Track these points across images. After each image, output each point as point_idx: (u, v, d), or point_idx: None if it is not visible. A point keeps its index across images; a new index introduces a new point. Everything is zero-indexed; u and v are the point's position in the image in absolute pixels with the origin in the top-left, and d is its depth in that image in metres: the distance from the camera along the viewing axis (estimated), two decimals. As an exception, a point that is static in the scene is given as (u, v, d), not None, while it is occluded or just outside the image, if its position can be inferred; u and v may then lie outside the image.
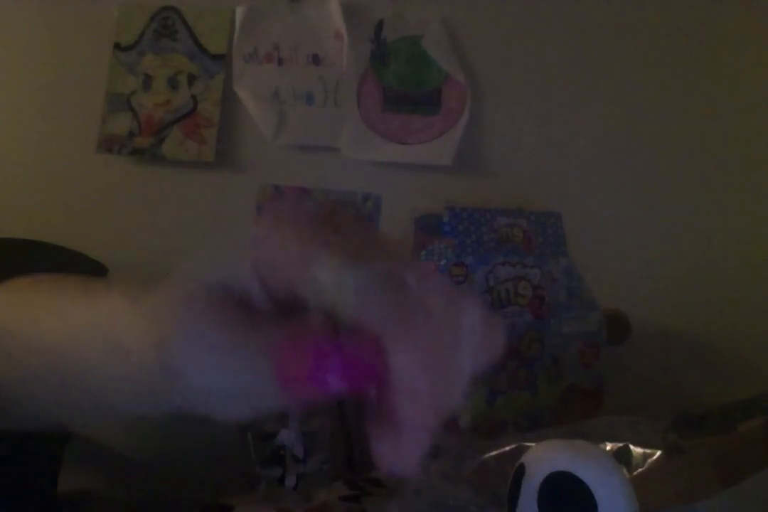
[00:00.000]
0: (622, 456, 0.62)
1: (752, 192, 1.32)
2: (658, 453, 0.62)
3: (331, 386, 0.26)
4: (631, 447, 0.63)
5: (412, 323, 0.25)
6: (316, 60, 1.45)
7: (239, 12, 1.46)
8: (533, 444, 0.58)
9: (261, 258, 0.28)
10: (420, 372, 0.25)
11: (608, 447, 0.63)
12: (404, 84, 1.42)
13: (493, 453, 0.66)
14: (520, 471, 0.52)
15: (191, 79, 1.50)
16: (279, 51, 1.46)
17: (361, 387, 0.27)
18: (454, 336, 0.27)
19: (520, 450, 0.61)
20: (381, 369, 0.26)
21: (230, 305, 0.28)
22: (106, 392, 0.34)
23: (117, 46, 1.52)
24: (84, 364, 0.34)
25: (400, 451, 0.26)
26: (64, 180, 1.56)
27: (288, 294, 0.27)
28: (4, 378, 0.37)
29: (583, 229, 1.28)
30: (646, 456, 0.62)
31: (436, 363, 0.26)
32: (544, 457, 0.52)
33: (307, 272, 0.26)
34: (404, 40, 1.42)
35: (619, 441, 0.64)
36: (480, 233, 1.00)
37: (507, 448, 0.66)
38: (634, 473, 0.61)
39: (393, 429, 0.26)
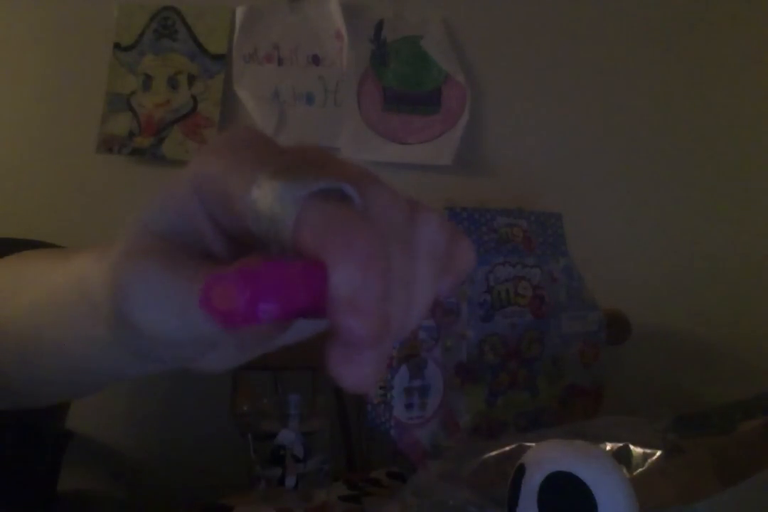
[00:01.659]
0: (622, 456, 0.62)
1: (752, 192, 1.32)
2: (658, 453, 0.62)
3: (267, 313, 0.24)
4: (631, 447, 0.63)
5: (355, 236, 0.24)
6: (316, 60, 1.45)
7: (239, 12, 1.46)
8: (533, 444, 0.58)
9: (202, 182, 0.27)
10: (362, 283, 0.24)
11: (608, 447, 0.63)
12: (404, 84, 1.42)
13: (493, 453, 0.66)
14: (520, 471, 0.52)
15: (191, 79, 1.49)
16: (279, 51, 1.46)
17: (304, 309, 0.25)
18: (407, 250, 0.25)
19: (520, 450, 0.61)
20: (324, 289, 0.24)
21: (177, 246, 0.28)
22: (83, 356, 0.34)
23: (117, 46, 1.52)
24: (62, 331, 0.34)
25: (353, 367, 0.25)
26: (64, 180, 1.56)
27: (235, 227, 0.27)
28: None
29: (583, 229, 1.28)
30: (646, 456, 0.62)
31: (383, 277, 0.24)
32: (544, 457, 0.52)
33: (247, 195, 0.25)
34: (404, 40, 1.42)
35: (619, 441, 0.64)
36: (480, 233, 1.00)
37: (507, 448, 0.66)
38: (634, 473, 0.61)
39: (342, 344, 0.24)
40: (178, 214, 0.28)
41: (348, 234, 0.24)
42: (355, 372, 0.25)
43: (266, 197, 0.25)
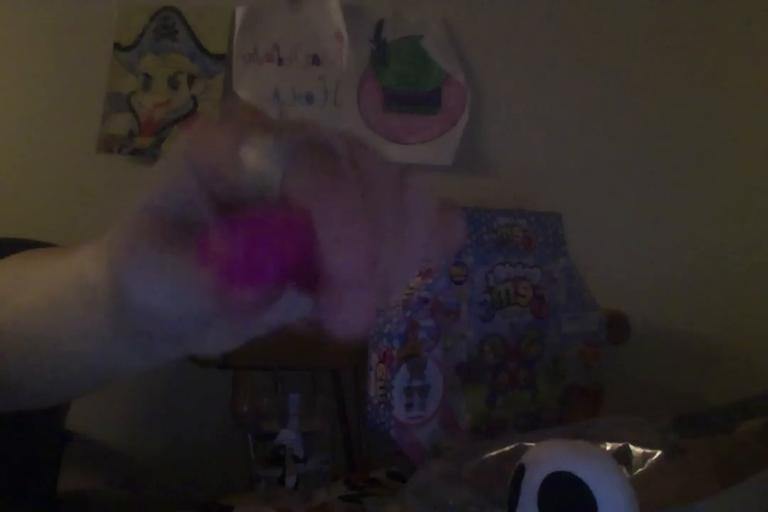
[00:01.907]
0: (622, 456, 0.62)
1: (753, 192, 1.32)
2: (658, 453, 0.62)
3: (262, 263, 0.25)
4: (631, 447, 0.63)
5: (341, 180, 0.25)
6: (316, 60, 1.45)
7: (239, 12, 1.46)
8: (533, 444, 0.58)
9: (193, 151, 0.28)
10: (347, 220, 0.25)
11: (608, 447, 0.63)
12: (404, 84, 1.42)
13: (493, 453, 0.66)
14: (520, 471, 0.52)
15: (191, 79, 1.49)
16: (279, 51, 1.46)
17: (294, 268, 0.25)
18: (393, 203, 0.26)
19: (520, 450, 0.61)
20: (312, 242, 0.25)
21: (171, 224, 0.29)
22: (82, 353, 0.35)
23: (117, 46, 1.52)
24: (62, 329, 0.34)
25: (345, 309, 0.25)
26: (64, 180, 1.56)
27: (225, 191, 0.28)
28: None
29: (583, 229, 1.28)
30: (646, 456, 0.62)
31: (368, 217, 0.25)
32: (544, 457, 0.52)
33: (237, 155, 0.26)
34: (404, 40, 1.42)
35: (619, 441, 0.64)
36: (480, 233, 1.00)
37: (507, 448, 0.66)
38: (634, 473, 0.61)
39: (333, 287, 0.25)
40: (174, 191, 0.29)
41: (334, 179, 0.25)
42: (348, 314, 0.25)
43: (255, 155, 0.26)
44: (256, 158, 0.26)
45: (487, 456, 0.66)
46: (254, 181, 0.26)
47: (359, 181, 0.25)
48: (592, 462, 0.51)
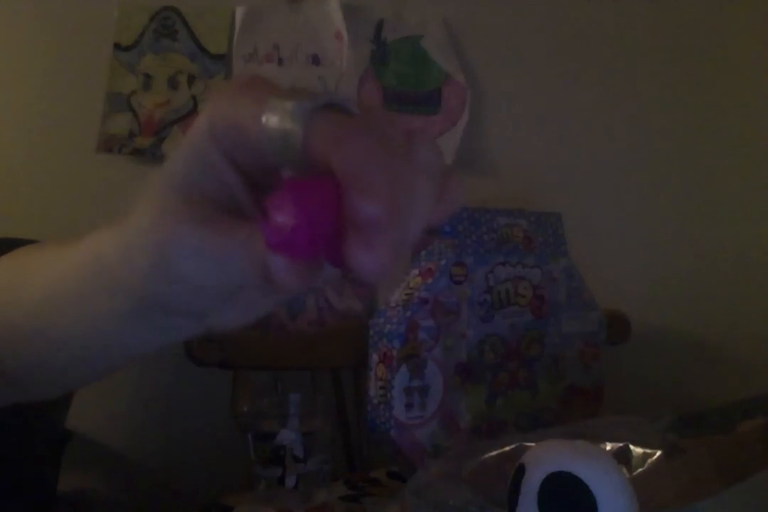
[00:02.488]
0: (622, 456, 0.62)
1: (752, 192, 1.32)
2: (658, 453, 0.62)
3: (314, 240, 0.27)
4: (631, 447, 0.63)
5: (360, 132, 0.27)
6: (316, 60, 1.45)
7: (239, 12, 1.46)
8: (533, 444, 0.58)
9: (215, 114, 0.29)
10: (370, 166, 0.26)
11: (608, 447, 0.63)
12: (404, 84, 1.42)
13: (493, 453, 0.66)
14: (520, 471, 0.52)
15: (191, 79, 1.49)
16: (279, 51, 1.46)
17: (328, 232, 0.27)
18: (406, 158, 0.28)
19: (520, 450, 0.61)
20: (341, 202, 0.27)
21: (204, 204, 0.31)
22: (98, 332, 0.36)
23: (117, 46, 1.52)
24: (79, 310, 0.36)
25: (370, 252, 0.27)
26: (64, 180, 1.56)
27: (249, 157, 0.29)
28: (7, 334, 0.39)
29: (583, 229, 1.28)
30: (646, 456, 0.62)
31: (388, 164, 0.26)
32: (544, 457, 0.52)
33: (259, 117, 0.28)
34: (404, 40, 1.42)
35: (619, 441, 0.64)
36: (480, 233, 1.00)
37: (507, 448, 0.65)
38: (634, 473, 0.61)
39: (359, 231, 0.26)
40: (199, 165, 0.30)
41: (353, 132, 0.27)
42: (373, 257, 0.27)
43: (278, 116, 0.27)
44: (278, 119, 0.27)
45: (487, 456, 0.66)
46: (277, 141, 0.27)
47: (375, 133, 0.27)
48: (592, 462, 0.51)
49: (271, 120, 0.27)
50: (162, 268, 0.31)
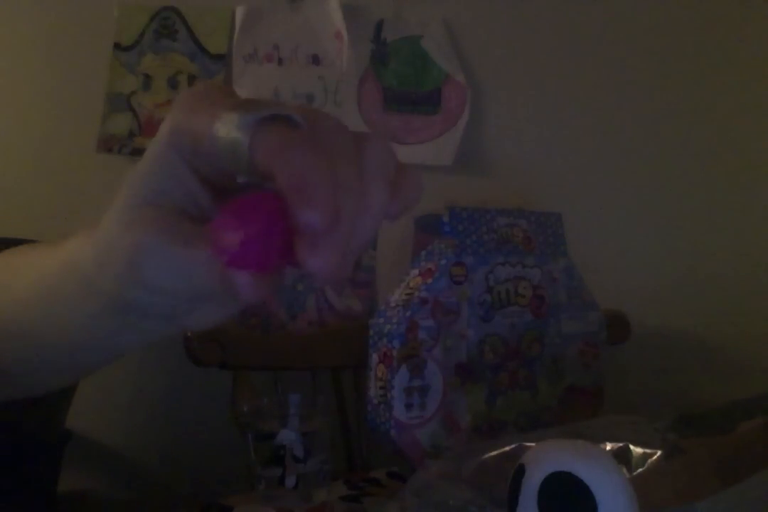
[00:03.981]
0: (622, 456, 0.62)
1: (752, 192, 1.32)
2: (658, 453, 0.62)
3: (265, 236, 0.29)
4: (631, 447, 0.63)
5: (300, 144, 0.29)
6: (316, 60, 1.45)
7: (239, 12, 1.46)
8: (533, 444, 0.58)
9: (174, 124, 0.32)
10: (308, 176, 0.28)
11: (608, 447, 0.63)
12: (404, 84, 1.42)
13: (493, 453, 0.66)
14: (520, 471, 0.52)
15: (191, 79, 1.50)
16: (279, 51, 1.46)
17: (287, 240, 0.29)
18: (352, 163, 0.30)
19: (520, 450, 0.61)
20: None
21: (171, 213, 0.33)
22: (76, 330, 0.38)
23: (117, 46, 1.52)
24: (56, 309, 0.38)
25: (317, 255, 0.29)
26: (64, 180, 1.56)
27: (205, 163, 0.32)
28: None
29: (583, 229, 1.28)
30: (646, 456, 0.62)
31: (327, 173, 0.28)
32: (544, 457, 0.52)
33: (212, 128, 0.30)
34: (404, 40, 1.42)
35: (619, 441, 0.64)
36: (480, 233, 1.00)
37: (507, 448, 0.65)
38: (634, 473, 0.61)
39: (305, 238, 0.29)
40: (164, 173, 0.33)
41: (294, 144, 0.29)
42: (319, 260, 0.29)
43: (226, 127, 0.29)
44: (226, 130, 0.30)
45: (487, 456, 0.66)
46: (227, 151, 0.30)
47: (317, 143, 0.29)
48: (592, 462, 0.51)
49: (221, 130, 0.30)
50: (133, 275, 0.33)
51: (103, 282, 0.34)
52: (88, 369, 0.43)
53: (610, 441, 0.64)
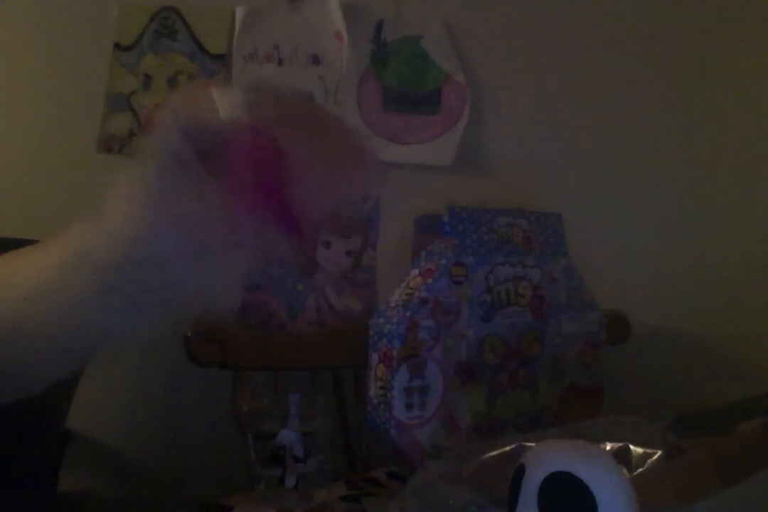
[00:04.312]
0: (622, 456, 0.62)
1: (752, 191, 1.32)
2: (658, 453, 0.62)
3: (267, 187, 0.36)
4: (631, 447, 0.63)
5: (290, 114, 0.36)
6: (316, 60, 1.45)
7: (239, 12, 1.46)
8: (533, 444, 0.58)
9: (175, 107, 0.39)
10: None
11: (608, 447, 0.63)
12: (404, 84, 1.42)
13: (493, 453, 0.66)
14: (520, 471, 0.52)
15: (191, 79, 1.50)
16: (279, 51, 1.46)
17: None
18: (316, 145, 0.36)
19: (520, 450, 0.61)
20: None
21: (174, 194, 0.39)
22: (77, 316, 0.41)
23: (117, 46, 1.52)
24: (59, 296, 0.41)
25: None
26: (64, 180, 1.56)
27: (208, 138, 0.38)
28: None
29: (583, 229, 1.28)
30: (646, 456, 0.62)
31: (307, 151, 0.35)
32: (544, 457, 0.52)
33: (215, 107, 0.36)
34: (404, 40, 1.42)
35: (619, 441, 0.63)
36: (480, 233, 1.00)
37: (507, 448, 0.65)
38: (634, 473, 0.61)
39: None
40: (171, 154, 0.39)
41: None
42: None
43: (228, 104, 0.36)
44: (229, 107, 0.36)
45: (487, 456, 0.66)
46: (222, 122, 0.36)
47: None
48: (592, 462, 0.51)
49: (224, 107, 0.36)
50: (141, 254, 0.37)
51: (109, 264, 0.38)
52: (80, 358, 0.46)
53: (610, 441, 0.64)
